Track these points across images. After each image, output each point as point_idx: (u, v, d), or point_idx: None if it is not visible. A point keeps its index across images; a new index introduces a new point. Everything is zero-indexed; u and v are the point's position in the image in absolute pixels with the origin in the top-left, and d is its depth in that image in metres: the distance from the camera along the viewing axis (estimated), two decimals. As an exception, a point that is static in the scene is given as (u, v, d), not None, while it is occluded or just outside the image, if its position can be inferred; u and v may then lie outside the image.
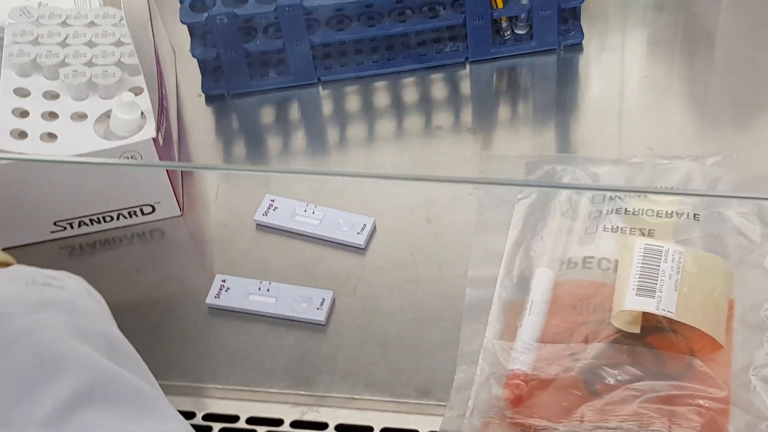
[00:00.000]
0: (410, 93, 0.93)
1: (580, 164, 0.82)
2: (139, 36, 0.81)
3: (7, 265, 0.59)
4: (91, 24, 0.87)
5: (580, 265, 0.74)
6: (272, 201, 0.84)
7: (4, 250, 0.83)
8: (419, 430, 0.69)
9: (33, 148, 0.80)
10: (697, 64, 0.93)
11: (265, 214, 0.83)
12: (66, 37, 0.86)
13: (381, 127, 0.91)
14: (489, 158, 0.85)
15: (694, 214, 0.76)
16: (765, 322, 0.70)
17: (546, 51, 0.94)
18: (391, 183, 0.85)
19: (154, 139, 0.79)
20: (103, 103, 0.83)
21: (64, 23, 0.87)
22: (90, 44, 0.86)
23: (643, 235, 0.75)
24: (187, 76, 0.96)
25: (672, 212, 0.76)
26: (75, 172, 0.80)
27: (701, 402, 0.66)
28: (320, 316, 0.76)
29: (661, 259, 0.71)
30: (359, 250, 0.80)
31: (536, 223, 0.78)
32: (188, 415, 0.72)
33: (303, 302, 0.77)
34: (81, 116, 0.82)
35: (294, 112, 0.93)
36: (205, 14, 0.89)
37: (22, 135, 0.81)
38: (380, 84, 0.94)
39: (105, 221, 0.84)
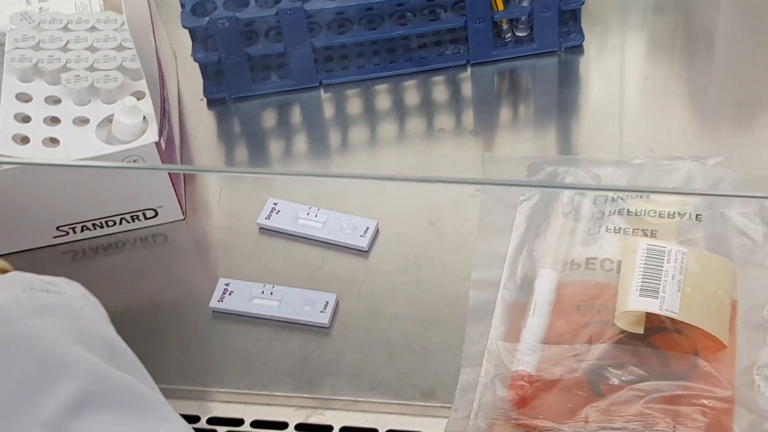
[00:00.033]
0: (412, 96, 0.93)
1: (582, 166, 0.83)
2: (140, 40, 0.81)
3: (4, 271, 0.59)
4: (93, 29, 0.88)
5: (583, 266, 0.74)
6: (275, 204, 0.84)
7: (5, 255, 0.83)
8: (424, 432, 0.70)
9: (35, 153, 0.80)
10: (697, 65, 0.94)
11: (268, 217, 0.83)
12: (67, 42, 0.86)
13: (383, 130, 0.91)
14: (491, 160, 0.85)
15: (697, 215, 0.76)
16: (768, 321, 0.70)
17: (547, 53, 0.94)
18: (394, 185, 0.85)
19: (157, 143, 0.79)
20: (105, 107, 0.83)
21: (65, 28, 0.87)
22: (91, 49, 0.86)
23: (646, 235, 0.75)
24: (188, 80, 0.96)
25: (674, 213, 0.76)
26: (77, 177, 0.80)
27: (705, 402, 0.66)
28: (324, 319, 0.76)
29: (664, 259, 0.71)
30: (362, 252, 0.80)
31: (539, 225, 0.78)
32: (193, 419, 0.72)
33: (307, 305, 0.77)
34: (83, 121, 0.82)
35: (296, 115, 0.93)
36: (207, 18, 0.89)
37: (25, 140, 0.81)
38: (382, 87, 0.94)
39: (108, 226, 0.84)
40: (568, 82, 0.93)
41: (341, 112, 0.93)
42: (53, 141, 0.81)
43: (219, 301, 0.78)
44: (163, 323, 0.78)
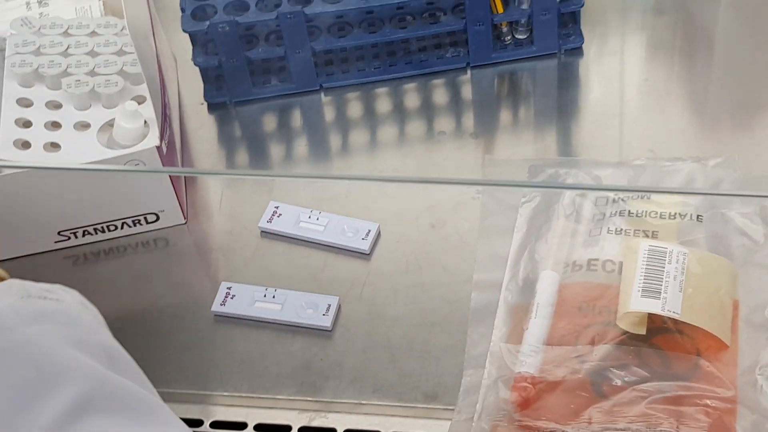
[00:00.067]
0: (412, 99, 0.93)
1: (582, 167, 0.83)
2: (141, 45, 0.81)
3: (1, 279, 0.59)
4: (93, 33, 0.88)
5: (584, 267, 0.74)
6: (276, 208, 0.84)
7: (6, 261, 0.83)
8: (427, 434, 0.70)
9: (36, 158, 0.80)
10: (696, 66, 0.94)
11: (270, 221, 0.83)
12: (68, 47, 0.86)
13: (383, 133, 0.91)
14: (492, 162, 0.85)
15: (698, 216, 0.76)
16: (770, 321, 0.70)
17: (546, 55, 0.94)
18: (395, 188, 0.85)
19: (158, 148, 0.79)
20: (106, 112, 0.83)
21: (65, 33, 0.87)
22: (92, 54, 0.86)
23: (647, 236, 0.75)
24: (189, 84, 0.96)
25: (675, 214, 0.76)
26: (78, 182, 0.80)
27: (708, 402, 0.66)
28: (326, 322, 0.76)
29: (665, 260, 0.71)
30: (364, 255, 0.81)
31: (540, 227, 0.78)
32: (196, 423, 0.72)
33: (309, 308, 0.77)
34: (84, 126, 0.82)
35: (296, 119, 0.93)
36: (207, 23, 0.89)
37: (26, 145, 0.81)
38: (382, 90, 0.94)
39: (109, 230, 0.84)
40: (567, 84, 0.93)
41: (342, 115, 0.93)
42: (54, 146, 0.81)
43: (221, 304, 0.78)
44: (166, 327, 0.78)
